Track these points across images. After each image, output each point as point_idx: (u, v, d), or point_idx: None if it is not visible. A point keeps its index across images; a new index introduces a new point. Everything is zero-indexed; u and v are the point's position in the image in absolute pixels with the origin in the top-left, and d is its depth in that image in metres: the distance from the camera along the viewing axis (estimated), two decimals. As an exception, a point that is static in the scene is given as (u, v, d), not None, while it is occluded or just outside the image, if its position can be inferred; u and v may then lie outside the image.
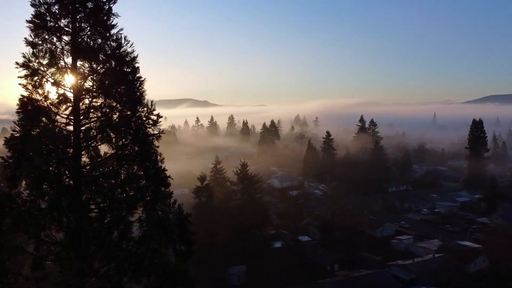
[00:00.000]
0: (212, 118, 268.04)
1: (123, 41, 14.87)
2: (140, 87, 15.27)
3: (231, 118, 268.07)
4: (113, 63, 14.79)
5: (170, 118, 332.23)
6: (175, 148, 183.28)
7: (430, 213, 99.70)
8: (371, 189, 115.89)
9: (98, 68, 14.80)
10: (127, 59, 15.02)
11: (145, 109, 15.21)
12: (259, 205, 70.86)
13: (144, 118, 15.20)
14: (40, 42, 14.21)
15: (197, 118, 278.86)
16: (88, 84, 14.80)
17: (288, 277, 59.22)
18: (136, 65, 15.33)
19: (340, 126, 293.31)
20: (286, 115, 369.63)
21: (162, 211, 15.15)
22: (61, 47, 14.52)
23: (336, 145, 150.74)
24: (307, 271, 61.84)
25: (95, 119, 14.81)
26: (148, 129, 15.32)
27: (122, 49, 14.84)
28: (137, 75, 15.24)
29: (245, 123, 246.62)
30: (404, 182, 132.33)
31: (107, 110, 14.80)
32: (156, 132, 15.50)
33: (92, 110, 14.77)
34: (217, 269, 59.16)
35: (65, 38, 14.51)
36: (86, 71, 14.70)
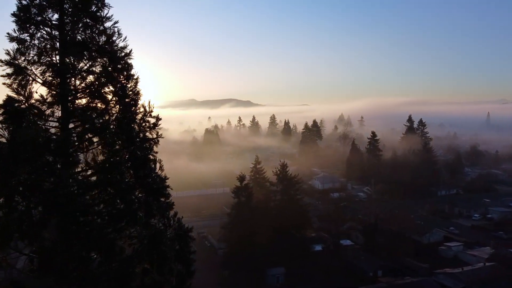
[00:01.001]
0: (254, 118, 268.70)
1: (115, 35, 13.56)
2: (133, 86, 13.86)
3: (272, 118, 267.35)
4: (104, 59, 13.54)
5: (213, 118, 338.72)
6: (217, 148, 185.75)
7: (482, 218, 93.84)
8: (418, 193, 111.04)
9: (87, 65, 13.54)
10: (119, 54, 13.69)
11: (141, 110, 13.77)
12: (299, 207, 69.58)
13: (140, 121, 13.78)
14: (26, 37, 13.11)
15: (239, 118, 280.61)
16: (78, 82, 13.60)
17: (329, 282, 57.71)
18: (129, 61, 13.95)
19: (387, 126, 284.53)
20: (329, 114, 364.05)
21: (158, 225, 13.57)
22: (48, 43, 13.33)
23: (382, 146, 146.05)
24: (349, 276, 60.02)
25: (78, 123, 13.46)
26: (145, 133, 13.90)
27: (114, 44, 13.49)
28: (130, 72, 13.83)
29: (286, 123, 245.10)
30: (455, 186, 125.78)
31: (93, 112, 13.42)
32: (153, 136, 14.02)
33: (79, 112, 13.39)
34: (256, 269, 58.77)
35: (53, 32, 13.32)
36: (74, 68, 13.43)
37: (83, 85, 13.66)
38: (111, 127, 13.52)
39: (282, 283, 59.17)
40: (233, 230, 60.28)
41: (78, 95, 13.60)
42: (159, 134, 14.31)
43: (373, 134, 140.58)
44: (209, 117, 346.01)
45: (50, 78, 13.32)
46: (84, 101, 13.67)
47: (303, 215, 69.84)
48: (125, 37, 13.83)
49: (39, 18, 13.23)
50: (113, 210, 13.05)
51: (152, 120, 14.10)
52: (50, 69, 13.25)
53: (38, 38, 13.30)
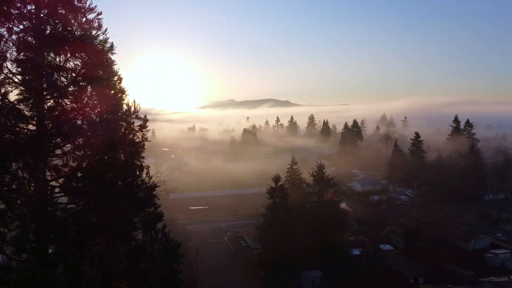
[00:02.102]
0: (292, 118, 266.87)
1: (96, 27, 12.18)
2: (116, 84, 12.51)
3: (311, 118, 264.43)
4: (83, 54, 12.13)
5: (251, 118, 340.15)
6: (255, 148, 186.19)
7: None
8: (464, 197, 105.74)
9: (64, 60, 12.20)
10: (100, 48, 12.27)
11: (125, 110, 12.26)
12: (337, 209, 68.03)
13: (124, 123, 12.31)
14: (4, 33, 11.90)
15: (277, 118, 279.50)
16: (55, 79, 12.23)
17: (367, 287, 56.13)
18: (112, 57, 12.56)
19: (432, 127, 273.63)
20: (371, 114, 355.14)
21: (145, 239, 11.92)
22: (24, 37, 12.01)
23: (426, 147, 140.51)
24: (388, 282, 58.11)
25: (53, 124, 11.97)
26: (131, 136, 12.45)
27: (94, 38, 12.08)
28: (112, 69, 12.50)
29: (325, 123, 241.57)
30: (503, 190, 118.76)
31: (70, 113, 11.99)
32: (138, 140, 12.48)
33: (55, 113, 11.95)
34: (291, 271, 58.19)
35: (29, 25, 11.99)
36: (51, 65, 12.15)
37: (61, 82, 12.28)
38: (90, 129, 12.00)
39: (318, 287, 58.21)
40: (268, 231, 59.90)
41: (55, 93, 12.19)
42: (144, 137, 12.79)
43: (417, 135, 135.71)
44: (248, 117, 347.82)
45: (25, 76, 12.09)
46: (61, 100, 12.23)
47: (340, 218, 68.25)
48: (106, 29, 12.45)
49: (16, 10, 11.98)
50: (82, 224, 11.10)
51: (139, 122, 12.71)
52: (26, 66, 12.02)
53: (16, 33, 12.03)
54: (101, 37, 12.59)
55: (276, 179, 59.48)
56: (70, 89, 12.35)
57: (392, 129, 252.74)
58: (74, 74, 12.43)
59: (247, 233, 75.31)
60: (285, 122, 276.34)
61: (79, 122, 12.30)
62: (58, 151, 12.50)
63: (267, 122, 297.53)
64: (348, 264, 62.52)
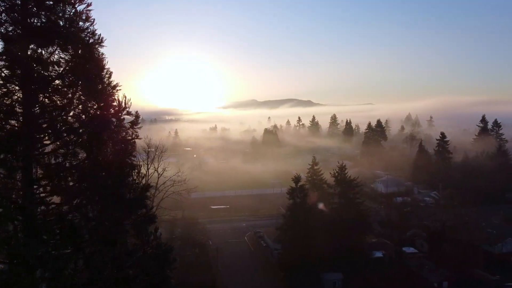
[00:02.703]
0: (313, 117, 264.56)
1: (83, 19, 11.41)
2: (107, 78, 11.73)
3: (333, 118, 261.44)
4: (69, 47, 11.41)
5: (273, 118, 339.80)
6: (276, 148, 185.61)
7: None
8: (492, 199, 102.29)
9: (51, 54, 11.52)
10: (89, 42, 11.52)
11: (115, 107, 11.52)
12: (359, 211, 66.92)
13: (113, 119, 11.59)
14: None
15: (299, 118, 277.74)
16: (41, 74, 11.52)
17: (389, 290, 54.93)
18: (101, 50, 11.83)
19: (458, 127, 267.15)
20: (395, 114, 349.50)
21: (129, 244, 11.00)
22: (10, 30, 11.27)
23: (452, 148, 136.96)
24: (411, 286, 56.80)
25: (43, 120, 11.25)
26: (123, 133, 11.75)
27: (82, 30, 11.32)
28: (103, 63, 11.71)
29: (348, 123, 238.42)
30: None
31: (54, 109, 11.26)
32: (129, 137, 11.76)
33: (41, 109, 11.27)
34: (311, 273, 57.64)
35: (16, 17, 11.35)
36: (38, 59, 11.45)
37: (47, 76, 11.54)
38: (79, 125, 11.28)
39: (339, 289, 57.45)
40: (288, 231, 59.47)
41: (41, 88, 11.54)
42: (135, 134, 11.97)
43: (442, 135, 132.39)
44: (269, 117, 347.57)
45: (10, 70, 11.42)
46: (48, 94, 11.55)
47: (362, 219, 67.09)
48: (93, 20, 11.65)
49: (3, 4, 11.30)
50: (66, 225, 10.16)
51: (130, 118, 11.88)
52: (10, 59, 11.35)
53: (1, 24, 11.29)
54: (89, 29, 11.95)
55: (296, 179, 58.96)
56: (56, 83, 11.67)
57: (417, 129, 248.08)
58: (61, 68, 11.77)
59: (267, 233, 75.03)
60: (306, 122, 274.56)
61: (67, 117, 11.69)
62: (45, 148, 11.87)
63: (288, 122, 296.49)
64: (370, 266, 61.29)
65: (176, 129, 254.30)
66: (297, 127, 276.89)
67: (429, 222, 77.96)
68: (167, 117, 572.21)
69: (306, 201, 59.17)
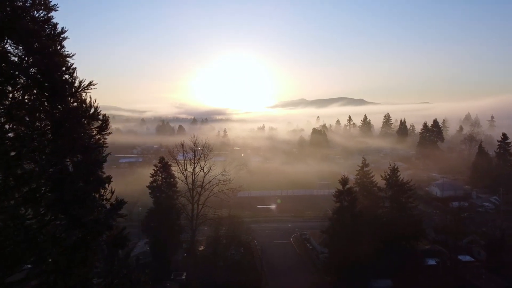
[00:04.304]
0: (365, 117, 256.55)
1: (43, 8, 9.93)
2: (69, 75, 10.14)
3: (386, 117, 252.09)
4: (23, 37, 9.70)
5: (322, 117, 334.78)
6: (325, 148, 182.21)
7: None
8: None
9: (4, 46, 9.93)
10: (46, 32, 10.08)
11: (79, 110, 9.87)
12: (411, 216, 63.56)
13: (79, 124, 9.89)
14: None
15: (349, 117, 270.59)
16: None
17: (443, 301, 51.82)
18: (63, 42, 10.33)
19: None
20: (453, 113, 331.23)
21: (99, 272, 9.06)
22: None
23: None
24: (467, 297, 53.14)
25: None
26: (90, 140, 9.99)
27: (42, 21, 9.83)
28: (64, 59, 10.17)
29: (402, 123, 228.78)
30: None
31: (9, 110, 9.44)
32: (100, 143, 10.06)
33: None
34: (359, 279, 55.54)
35: None
36: None
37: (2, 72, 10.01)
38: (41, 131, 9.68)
39: (388, 297, 54.96)
40: (334, 236, 57.60)
41: None
42: (102, 142, 10.18)
43: (504, 136, 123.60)
44: (318, 116, 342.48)
45: None
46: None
47: (415, 225, 63.65)
48: (55, 5, 10.20)
49: None
50: (7, 248, 8.40)
51: (96, 124, 10.21)
52: None
53: None
54: (50, 21, 10.54)
55: (344, 181, 56.88)
56: (12, 81, 10.08)
57: (477, 130, 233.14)
58: (17, 64, 10.19)
59: (313, 236, 73.53)
60: (358, 121, 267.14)
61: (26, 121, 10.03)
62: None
63: (338, 121, 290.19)
64: (422, 275, 58.06)
65: (225, 129, 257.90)
66: (348, 127, 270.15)
67: (488, 229, 73.69)
68: (217, 117, 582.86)
69: (354, 204, 56.96)
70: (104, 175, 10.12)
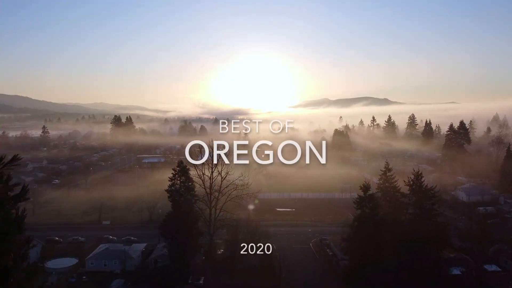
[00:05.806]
0: (389, 117, 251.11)
1: None
2: None
3: (411, 118, 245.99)
4: None
5: (345, 117, 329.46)
6: (347, 150, 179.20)
7: None
8: None
9: None
10: None
11: None
12: (436, 223, 61.48)
13: None
14: None
15: (373, 117, 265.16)
16: None
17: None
18: None
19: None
20: (481, 114, 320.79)
21: None
22: None
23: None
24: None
25: None
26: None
27: None
28: None
29: (428, 123, 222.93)
30: None
31: None
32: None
33: None
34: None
35: None
36: None
37: None
38: None
39: (410, 307, 53.32)
40: (355, 243, 56.28)
41: None
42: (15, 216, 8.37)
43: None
44: (340, 117, 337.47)
45: None
46: None
47: (440, 232, 61.49)
48: None
49: None
50: None
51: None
52: None
53: None
54: None
55: (365, 188, 55.49)
56: None
57: (506, 132, 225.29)
58: None
59: (334, 241, 72.23)
60: (381, 122, 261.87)
61: None
62: None
63: (361, 122, 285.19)
64: (447, 284, 56.38)
65: (246, 129, 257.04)
66: (371, 127, 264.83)
67: (517, 237, 70.52)
68: (239, 117, 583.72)
69: (376, 212, 55.49)
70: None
